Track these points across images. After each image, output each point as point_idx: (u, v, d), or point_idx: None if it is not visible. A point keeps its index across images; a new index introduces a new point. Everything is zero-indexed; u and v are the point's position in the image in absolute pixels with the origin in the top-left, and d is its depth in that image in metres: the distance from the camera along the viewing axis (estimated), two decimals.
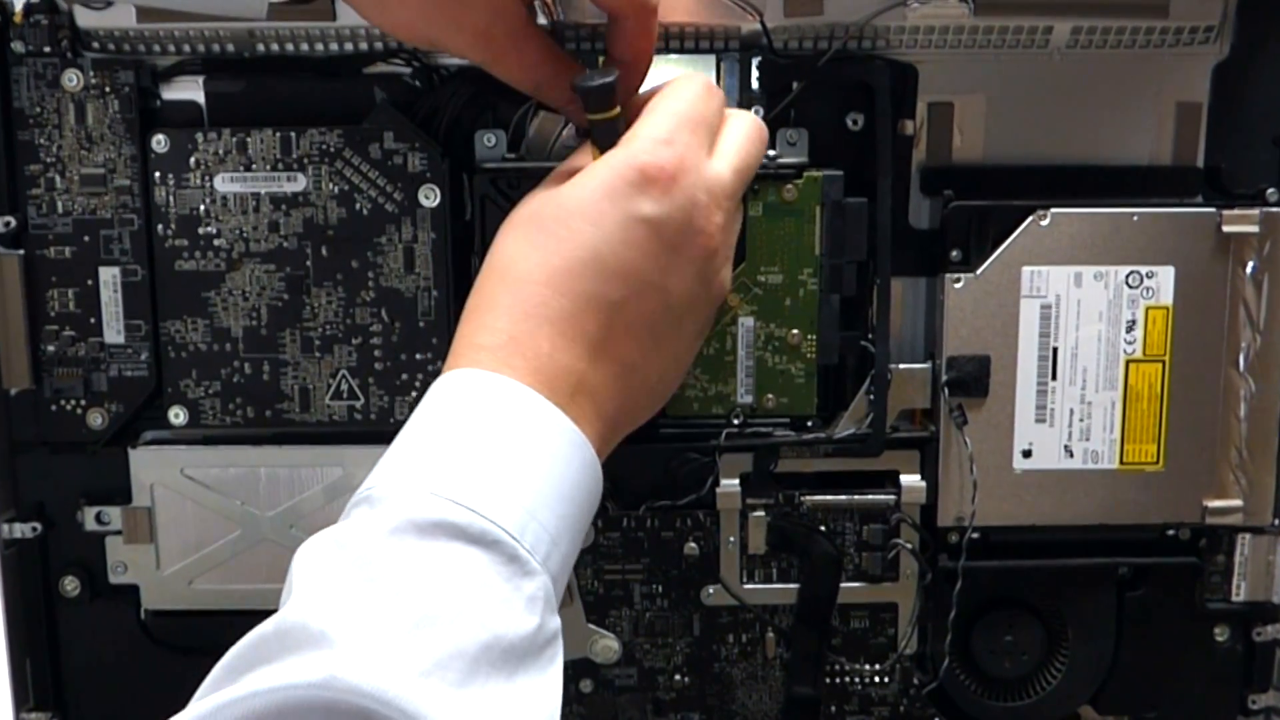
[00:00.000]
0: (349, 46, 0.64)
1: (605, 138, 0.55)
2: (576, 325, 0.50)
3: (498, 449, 0.48)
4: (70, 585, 0.68)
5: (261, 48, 0.64)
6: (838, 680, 0.70)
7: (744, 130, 0.57)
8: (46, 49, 0.63)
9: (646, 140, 0.53)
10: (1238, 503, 0.67)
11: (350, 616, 0.42)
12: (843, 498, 0.68)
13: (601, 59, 0.60)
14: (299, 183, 0.64)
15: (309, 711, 0.40)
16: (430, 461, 0.48)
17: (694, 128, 0.54)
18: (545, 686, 0.46)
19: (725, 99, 0.58)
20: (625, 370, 0.52)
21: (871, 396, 0.66)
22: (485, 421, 0.49)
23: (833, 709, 0.70)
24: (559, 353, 0.50)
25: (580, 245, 0.51)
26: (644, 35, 0.57)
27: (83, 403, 0.66)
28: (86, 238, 0.64)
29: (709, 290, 0.55)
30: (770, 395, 0.65)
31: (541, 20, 0.60)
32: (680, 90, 0.55)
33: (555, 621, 0.48)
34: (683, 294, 0.53)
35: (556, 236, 0.51)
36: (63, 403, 0.66)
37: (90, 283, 0.65)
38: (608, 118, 0.55)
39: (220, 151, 0.63)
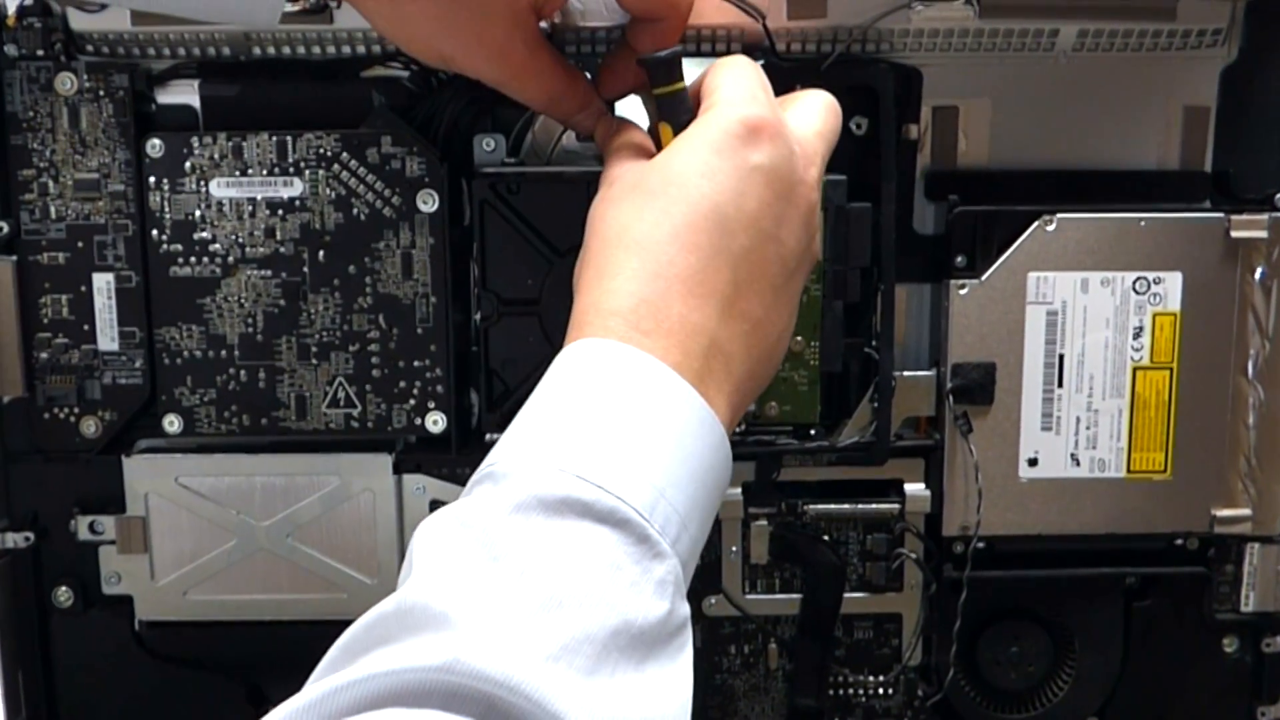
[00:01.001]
0: (346, 50, 0.63)
1: (675, 111, 0.54)
2: (707, 281, 0.49)
3: (627, 424, 0.46)
4: (63, 596, 0.68)
5: (258, 51, 0.64)
6: (841, 692, 0.69)
7: (820, 100, 0.56)
8: (40, 52, 0.63)
9: (738, 98, 0.52)
10: (1247, 512, 0.67)
11: (474, 598, 0.41)
12: (846, 507, 0.67)
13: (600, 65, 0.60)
14: (295, 187, 0.63)
15: (428, 695, 0.38)
16: (556, 436, 0.45)
17: (766, 90, 0.53)
18: (676, 676, 0.44)
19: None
20: (753, 327, 0.51)
21: (875, 404, 0.66)
22: (614, 395, 0.46)
23: None
24: (692, 312, 0.48)
25: (700, 200, 0.49)
26: (674, 35, 0.57)
27: (76, 410, 0.65)
28: (80, 243, 0.64)
29: (811, 246, 0.54)
30: (773, 403, 0.65)
31: (542, 25, 0.60)
32: (732, 63, 0.55)
33: (685, 608, 0.45)
34: (794, 246, 0.52)
35: (671, 197, 0.50)
36: (56, 410, 0.65)
37: (84, 289, 0.64)
38: (674, 90, 0.55)
39: (216, 156, 0.63)
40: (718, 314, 0.49)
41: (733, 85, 0.53)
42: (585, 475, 0.44)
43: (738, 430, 0.65)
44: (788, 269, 0.52)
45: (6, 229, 0.64)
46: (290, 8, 0.60)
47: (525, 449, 0.45)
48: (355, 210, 0.63)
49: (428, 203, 0.63)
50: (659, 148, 0.54)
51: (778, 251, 0.51)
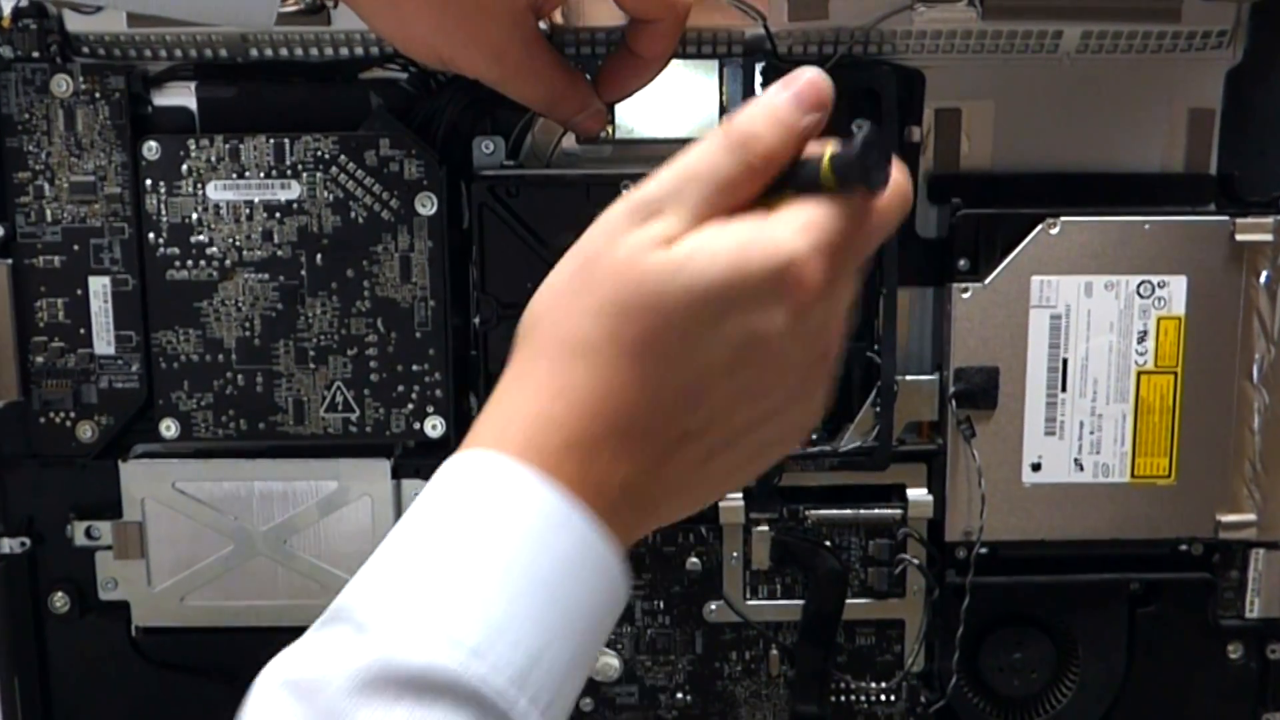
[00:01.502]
0: (344, 51, 0.63)
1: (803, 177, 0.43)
2: (651, 442, 0.42)
3: (517, 574, 0.40)
4: (60, 601, 0.67)
5: (255, 53, 0.63)
6: (843, 699, 0.69)
7: (891, 218, 0.45)
8: (35, 54, 0.62)
9: (804, 242, 0.42)
10: (1251, 517, 0.66)
11: None
12: (848, 512, 0.67)
13: (602, 66, 0.59)
14: (293, 190, 0.63)
15: None
16: (431, 582, 0.39)
17: (860, 252, 0.44)
18: None
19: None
20: (684, 489, 0.44)
21: (878, 409, 0.65)
22: (510, 537, 0.40)
23: None
24: (622, 468, 0.42)
25: (687, 364, 0.41)
26: (673, 37, 0.56)
27: (72, 415, 0.65)
28: (76, 246, 0.64)
29: (809, 412, 0.47)
30: None
31: (541, 25, 0.60)
32: (886, 209, 0.44)
33: None
34: (782, 416, 0.45)
35: (664, 340, 0.41)
36: (52, 415, 0.65)
37: (80, 292, 0.64)
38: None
39: (213, 158, 0.63)
40: (651, 471, 0.42)
41: (840, 219, 0.42)
42: (454, 636, 0.38)
43: None
44: (763, 435, 0.45)
45: (2, 232, 0.63)
46: (287, 8, 0.60)
47: (392, 593, 0.40)
48: (353, 213, 0.63)
49: (426, 205, 0.62)
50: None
51: (755, 416, 0.44)
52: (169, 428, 0.64)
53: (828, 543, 0.67)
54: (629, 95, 0.59)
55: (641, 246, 0.42)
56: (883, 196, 0.43)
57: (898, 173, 0.44)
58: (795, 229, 0.42)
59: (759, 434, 0.44)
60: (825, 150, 0.42)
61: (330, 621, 0.40)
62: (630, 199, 0.43)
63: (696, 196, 0.42)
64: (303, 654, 0.39)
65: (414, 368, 0.64)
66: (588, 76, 0.59)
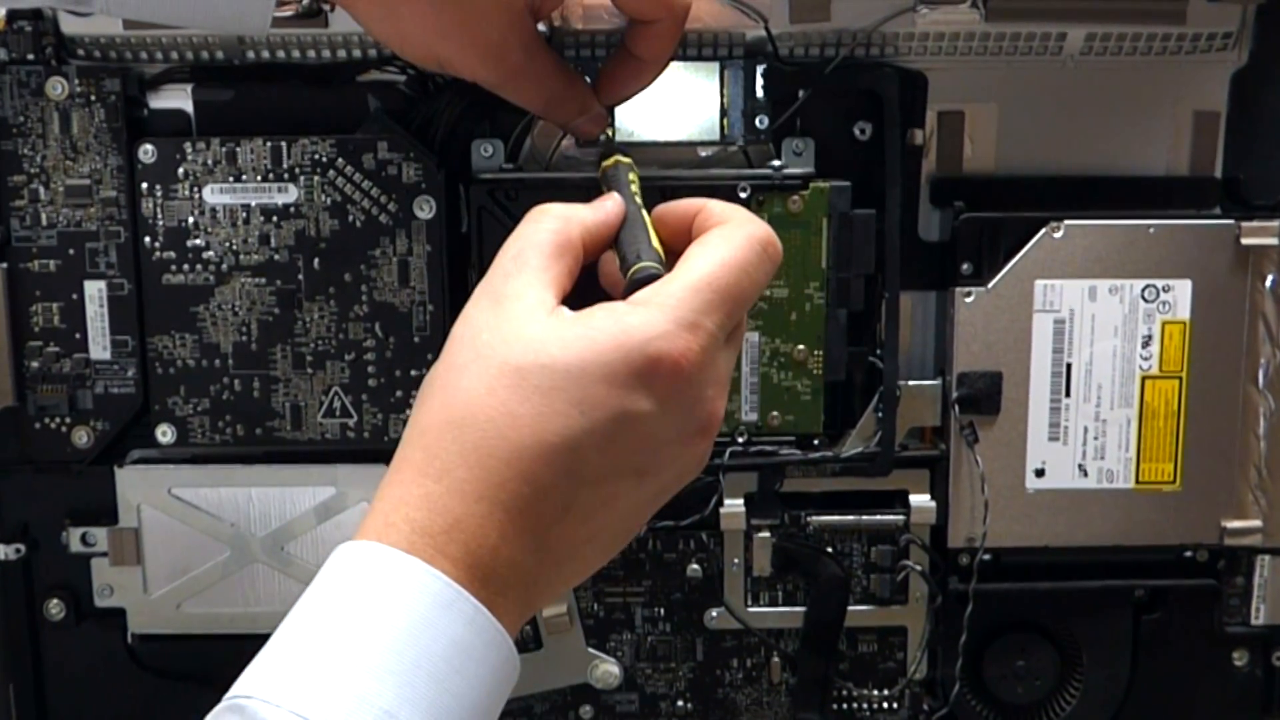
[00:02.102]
0: (342, 53, 0.63)
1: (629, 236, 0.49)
2: (531, 515, 0.44)
3: (409, 661, 0.41)
4: (55, 608, 0.67)
5: (252, 55, 0.63)
6: (845, 706, 0.69)
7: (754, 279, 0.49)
8: (30, 56, 0.62)
9: (670, 320, 0.45)
10: (1257, 523, 0.66)
11: None
12: (850, 518, 0.66)
13: (605, 66, 0.59)
14: (290, 194, 0.62)
15: None
16: (323, 671, 0.40)
17: (730, 308, 0.46)
18: None
19: (780, 259, 0.50)
20: (568, 558, 0.46)
21: (880, 414, 0.65)
22: (402, 629, 0.41)
23: None
24: (506, 544, 0.43)
25: (560, 430, 0.43)
26: (671, 38, 0.56)
27: (67, 420, 0.64)
28: (71, 250, 0.63)
29: (689, 477, 0.49)
30: (775, 413, 0.64)
31: (540, 27, 0.59)
32: (733, 248, 0.47)
33: None
34: (658, 487, 0.47)
35: (535, 409, 0.43)
36: (47, 420, 0.64)
37: (75, 297, 0.63)
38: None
39: (209, 162, 0.62)
40: (533, 547, 0.44)
41: (687, 291, 0.46)
42: None
43: (739, 440, 0.65)
44: (636, 508, 0.47)
45: None
46: (283, 12, 0.60)
47: (286, 684, 0.40)
48: (351, 217, 0.62)
49: (425, 209, 0.62)
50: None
51: (629, 496, 0.46)
52: (165, 433, 0.64)
53: (829, 549, 0.67)
54: (629, 98, 0.59)
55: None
56: (739, 254, 0.47)
57: (752, 224, 0.48)
58: (651, 311, 0.45)
59: (636, 496, 0.46)
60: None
61: (224, 713, 0.41)
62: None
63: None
64: None
65: (412, 372, 0.63)
66: (587, 79, 0.59)
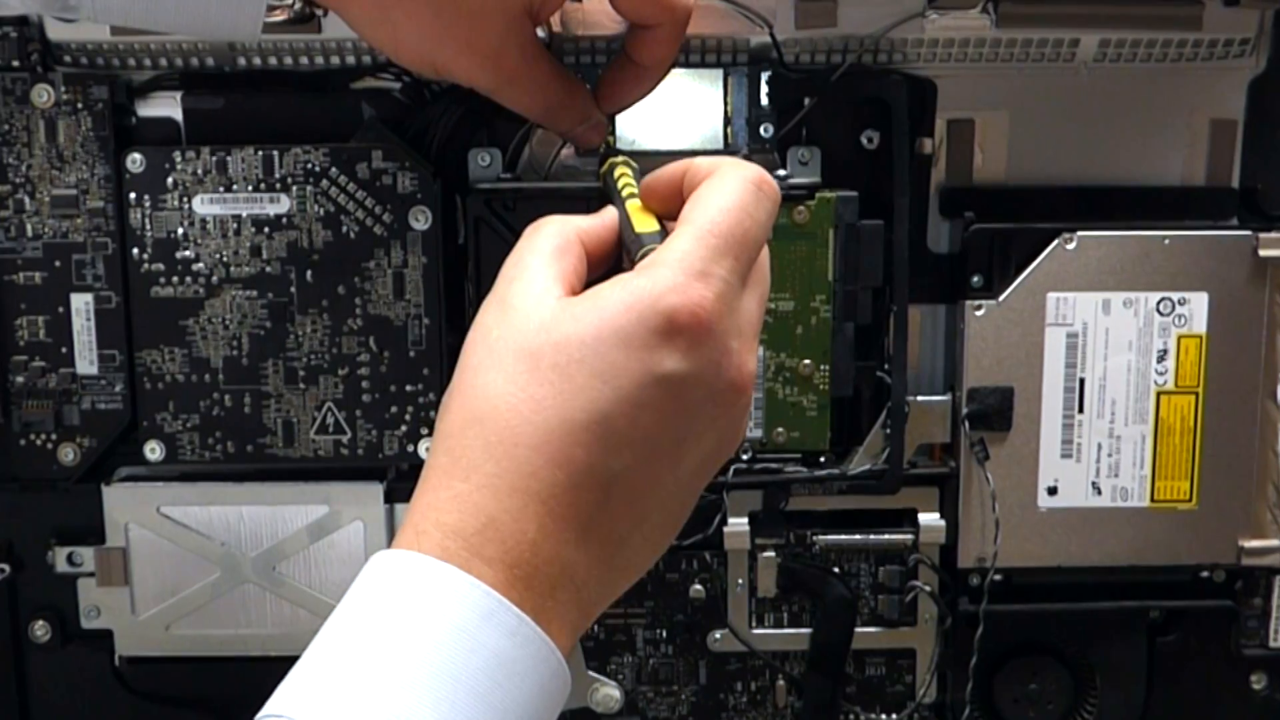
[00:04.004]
0: (335, 60, 0.62)
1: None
2: (568, 502, 0.42)
3: (446, 678, 0.39)
4: (40, 630, 0.66)
5: (243, 62, 0.62)
6: None
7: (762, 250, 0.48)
8: (15, 62, 0.61)
9: (678, 272, 0.43)
10: (1275, 543, 0.66)
11: None
12: (857, 537, 0.66)
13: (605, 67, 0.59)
14: (282, 204, 0.62)
15: None
16: (359, 690, 0.38)
17: (738, 250, 0.45)
18: None
19: (779, 197, 0.48)
20: (616, 547, 0.44)
21: (888, 430, 0.64)
22: (439, 642, 0.39)
23: None
24: (546, 539, 0.41)
25: (585, 405, 0.42)
26: (673, 43, 0.55)
27: (53, 437, 0.64)
28: (58, 262, 0.62)
29: (731, 446, 0.47)
30: (781, 429, 0.64)
31: (540, 33, 0.58)
32: (728, 193, 0.46)
33: None
34: (699, 457, 0.45)
35: (555, 388, 0.42)
36: (32, 437, 0.64)
37: (61, 310, 0.63)
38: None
39: (199, 171, 0.61)
40: (576, 537, 0.42)
41: (690, 241, 0.44)
42: None
43: (744, 458, 0.64)
44: (681, 482, 0.45)
45: None
46: (275, 18, 0.59)
47: (319, 701, 0.39)
48: (345, 228, 0.62)
49: (420, 220, 0.61)
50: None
51: (673, 467, 0.44)
52: (154, 450, 0.63)
53: (836, 569, 0.66)
54: (630, 105, 0.58)
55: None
56: (735, 197, 0.45)
57: (741, 167, 0.47)
58: (657, 270, 0.43)
59: (679, 471, 0.44)
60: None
61: None
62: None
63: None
64: None
65: (407, 388, 0.63)
66: (587, 86, 0.58)
